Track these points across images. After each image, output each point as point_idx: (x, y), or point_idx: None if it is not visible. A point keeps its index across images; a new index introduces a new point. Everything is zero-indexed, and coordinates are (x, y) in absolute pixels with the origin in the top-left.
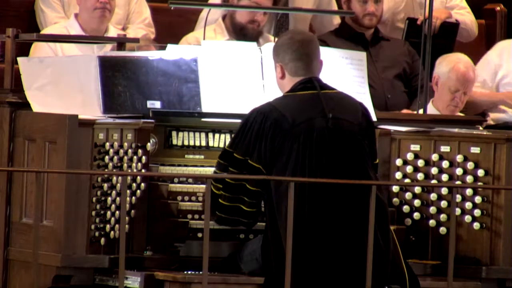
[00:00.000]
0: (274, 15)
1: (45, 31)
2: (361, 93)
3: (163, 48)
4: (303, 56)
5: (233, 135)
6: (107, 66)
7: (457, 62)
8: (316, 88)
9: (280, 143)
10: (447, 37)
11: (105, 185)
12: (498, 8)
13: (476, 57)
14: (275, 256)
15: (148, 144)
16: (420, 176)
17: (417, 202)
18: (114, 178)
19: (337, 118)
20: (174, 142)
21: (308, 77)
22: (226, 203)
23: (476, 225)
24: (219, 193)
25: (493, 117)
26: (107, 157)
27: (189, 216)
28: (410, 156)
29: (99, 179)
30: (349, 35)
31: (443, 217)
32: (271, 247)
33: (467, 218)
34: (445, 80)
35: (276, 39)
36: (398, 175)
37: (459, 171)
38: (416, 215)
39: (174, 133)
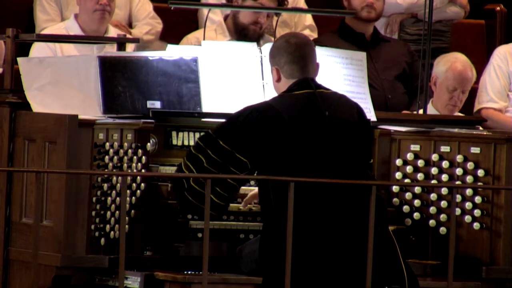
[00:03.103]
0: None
1: (44, 31)
2: (361, 93)
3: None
4: (298, 59)
5: (220, 123)
6: (107, 66)
7: (454, 61)
8: (312, 87)
9: (276, 140)
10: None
11: (105, 185)
12: (498, 8)
13: (476, 57)
14: (276, 256)
15: (148, 144)
16: (420, 176)
17: (417, 202)
18: (114, 178)
19: (333, 116)
20: (174, 142)
21: (303, 77)
22: (197, 187)
23: (476, 225)
24: (189, 174)
25: None
26: (107, 157)
27: (189, 216)
28: (410, 156)
29: (99, 179)
30: (349, 36)
31: (443, 217)
32: (271, 248)
33: (467, 218)
34: (443, 79)
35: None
36: (398, 175)
37: (459, 171)
38: (416, 215)
39: (174, 133)
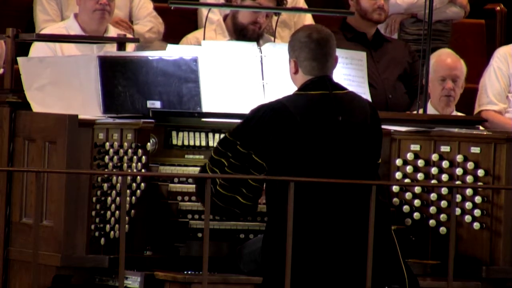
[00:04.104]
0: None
1: (44, 31)
2: (361, 93)
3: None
4: (319, 56)
5: (236, 125)
6: (107, 66)
7: (439, 55)
8: (328, 88)
9: (287, 142)
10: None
11: (105, 185)
12: (498, 8)
13: (476, 57)
14: (278, 256)
15: (148, 144)
16: (420, 176)
17: (417, 202)
18: (114, 178)
19: (346, 121)
20: (174, 142)
21: (320, 76)
22: (224, 191)
23: (476, 225)
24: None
25: None
26: (107, 157)
27: (189, 216)
28: (410, 156)
29: (99, 179)
30: (351, 36)
31: (443, 217)
32: (274, 247)
33: (467, 218)
34: (433, 74)
35: (276, 40)
36: (398, 175)
37: (459, 171)
38: (416, 215)
39: (174, 133)
